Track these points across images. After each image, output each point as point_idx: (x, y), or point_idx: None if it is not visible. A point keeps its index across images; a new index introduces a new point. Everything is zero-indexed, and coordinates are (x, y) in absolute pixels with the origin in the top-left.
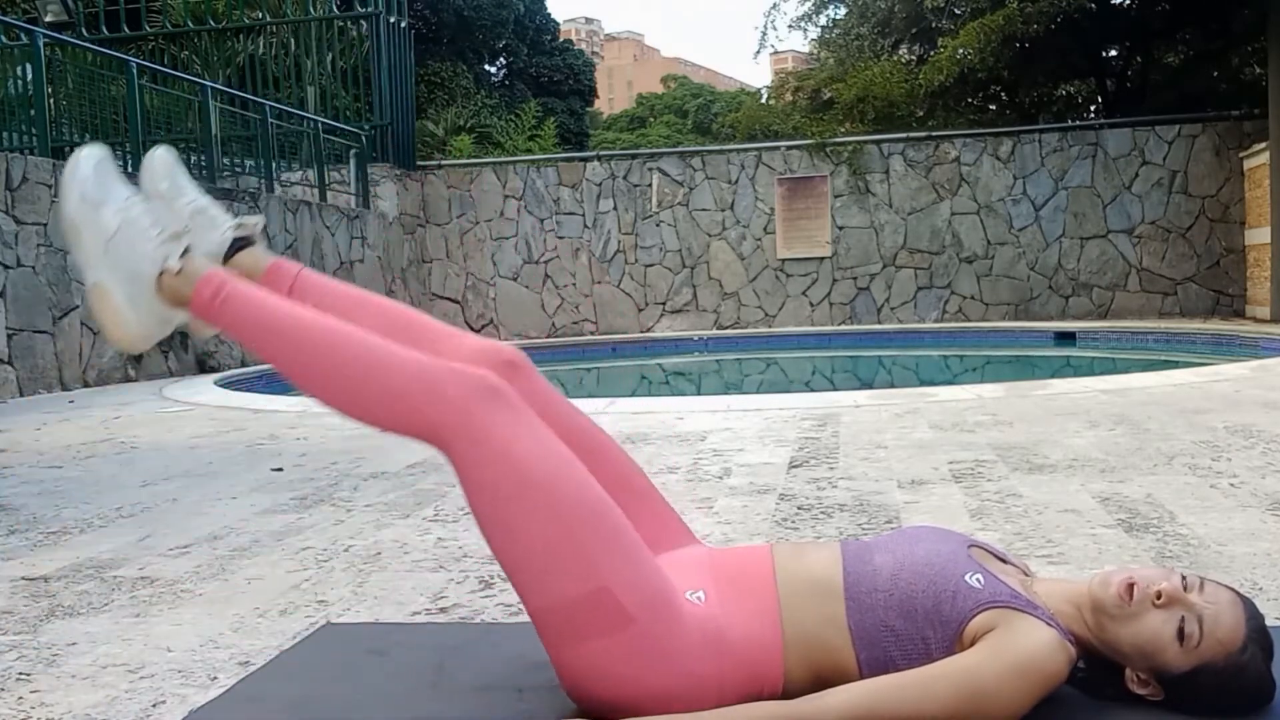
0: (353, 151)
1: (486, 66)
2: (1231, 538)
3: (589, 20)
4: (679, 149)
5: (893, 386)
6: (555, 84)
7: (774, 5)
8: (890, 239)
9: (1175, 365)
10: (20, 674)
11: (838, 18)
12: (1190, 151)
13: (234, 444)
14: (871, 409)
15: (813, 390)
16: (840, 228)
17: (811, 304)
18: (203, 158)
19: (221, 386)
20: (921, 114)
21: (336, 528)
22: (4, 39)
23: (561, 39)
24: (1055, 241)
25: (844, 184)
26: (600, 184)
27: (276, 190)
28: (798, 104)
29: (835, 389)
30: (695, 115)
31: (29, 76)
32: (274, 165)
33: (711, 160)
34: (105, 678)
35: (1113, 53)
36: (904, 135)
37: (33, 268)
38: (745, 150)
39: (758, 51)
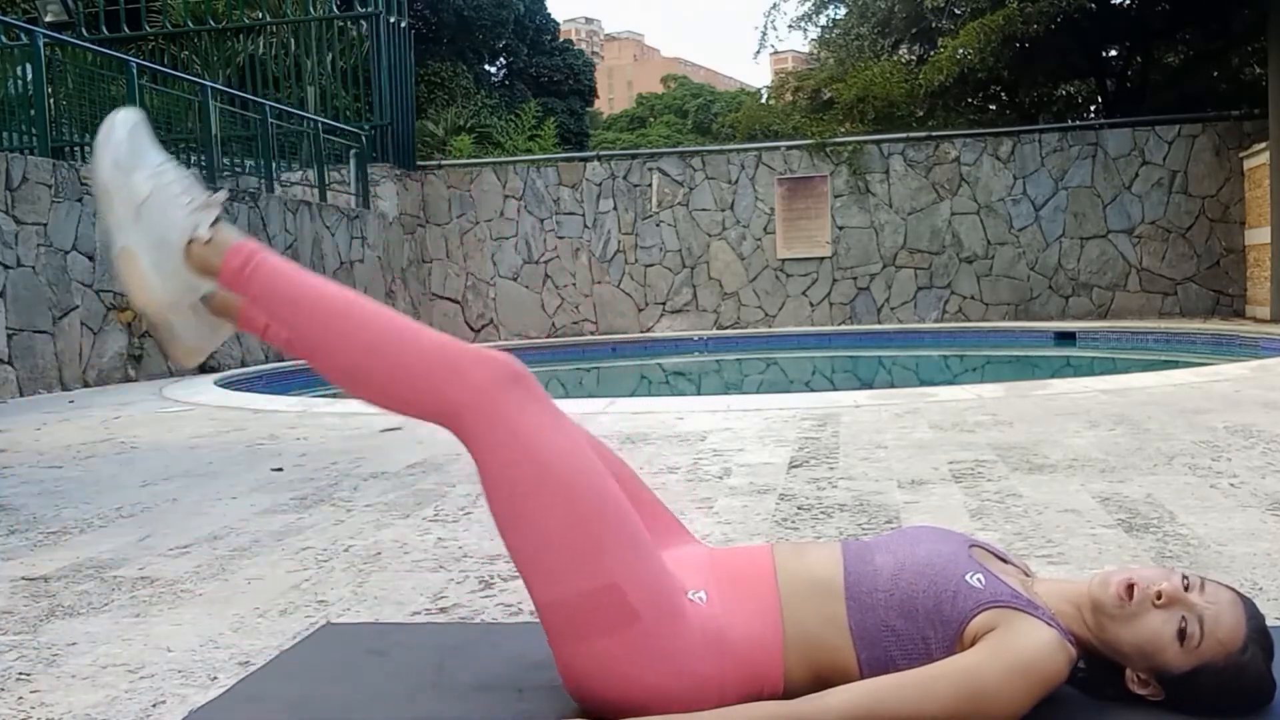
0: (353, 151)
1: (486, 66)
2: (1231, 538)
3: (589, 20)
4: (679, 149)
5: (893, 386)
6: (555, 84)
7: (774, 5)
8: (890, 239)
9: (1175, 365)
10: (20, 674)
11: (838, 18)
12: (1190, 151)
13: (234, 444)
14: (871, 409)
15: (813, 390)
16: (840, 228)
17: (811, 304)
18: (203, 158)
19: (221, 386)
20: (921, 114)
21: (336, 528)
22: (4, 39)
23: (561, 39)
24: (1055, 241)
25: (844, 184)
26: (600, 184)
27: (276, 190)
28: (798, 104)
29: (835, 389)
30: (695, 115)
31: (29, 76)
32: (274, 165)
33: (711, 160)
34: (105, 678)
35: (1113, 53)
36: (904, 135)
37: (33, 268)
38: (745, 150)
39: (758, 51)
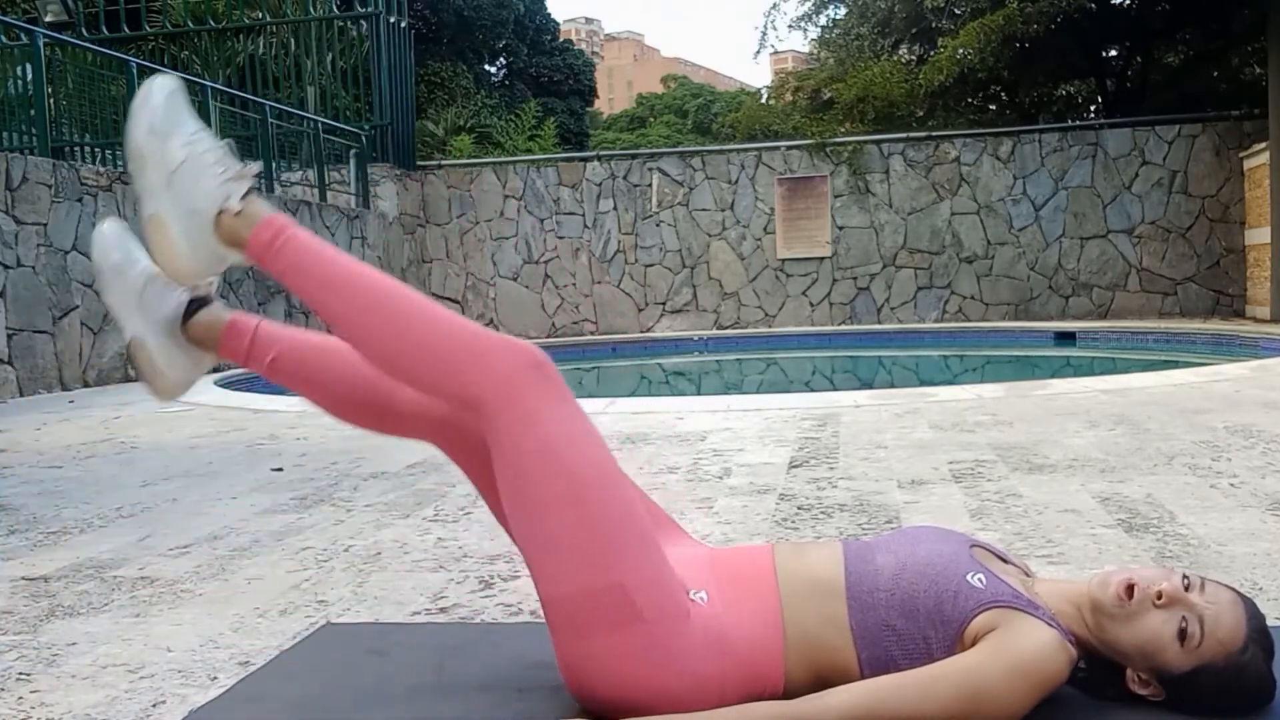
0: (353, 151)
1: (486, 66)
2: (1231, 538)
3: (589, 20)
4: (679, 149)
5: (893, 386)
6: (555, 84)
7: (774, 5)
8: (890, 239)
9: (1175, 365)
10: (20, 674)
11: (838, 18)
12: (1190, 151)
13: (234, 444)
14: (871, 409)
15: (813, 390)
16: (840, 228)
17: (811, 304)
18: None
19: (221, 386)
20: (921, 114)
21: (336, 528)
22: (4, 39)
23: (561, 39)
24: (1055, 241)
25: (844, 184)
26: (600, 184)
27: (276, 190)
28: (798, 104)
29: (835, 389)
30: (695, 115)
31: (29, 76)
32: (274, 165)
33: (711, 160)
34: (105, 678)
35: (1113, 53)
36: (904, 135)
37: (33, 268)
38: (745, 150)
39: (758, 51)
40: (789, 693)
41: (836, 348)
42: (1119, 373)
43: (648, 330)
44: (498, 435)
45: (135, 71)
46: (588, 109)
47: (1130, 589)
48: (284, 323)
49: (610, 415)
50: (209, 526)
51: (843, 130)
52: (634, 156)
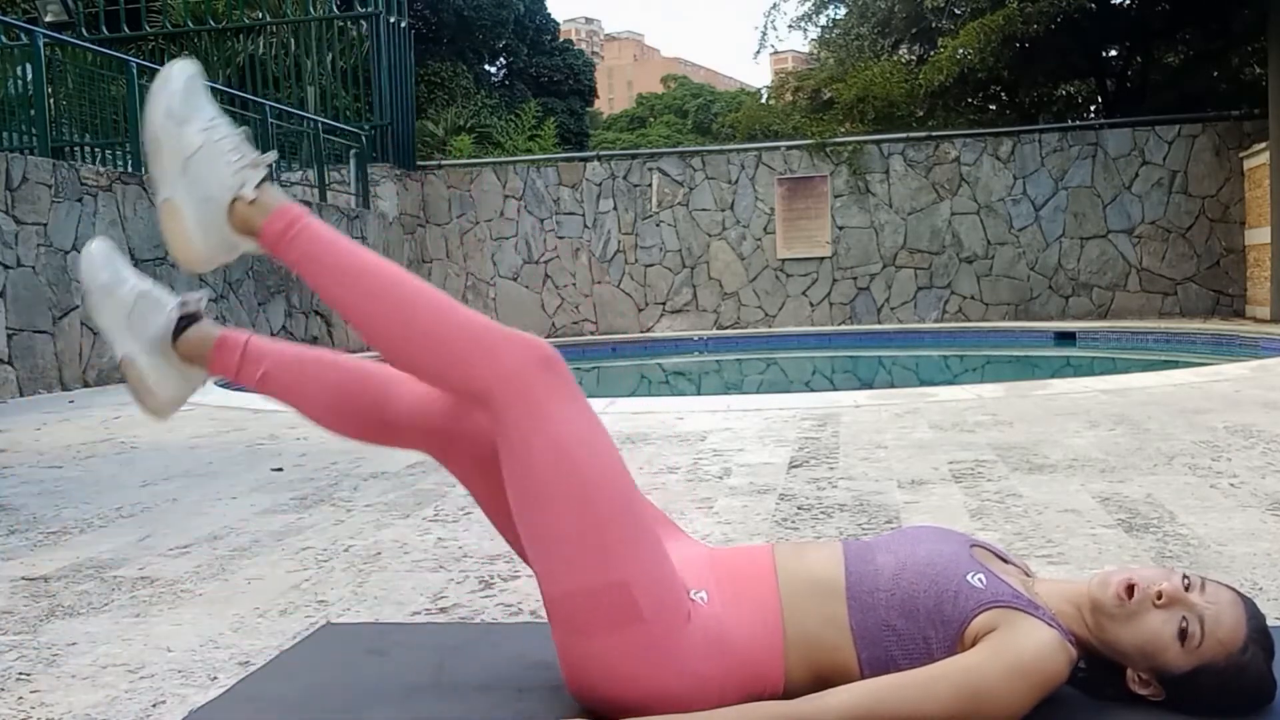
0: (353, 151)
1: (486, 66)
2: (1231, 538)
3: (589, 20)
4: (679, 149)
5: (893, 386)
6: (555, 84)
7: (774, 5)
8: (890, 239)
9: (1175, 365)
10: (20, 674)
11: (838, 18)
12: (1190, 151)
13: (234, 444)
14: (871, 409)
15: (813, 390)
16: (840, 228)
17: (811, 304)
18: None
19: (221, 386)
20: (921, 114)
21: (336, 528)
22: (4, 39)
23: (561, 39)
24: (1055, 241)
25: (844, 184)
26: (600, 184)
27: None
28: (798, 104)
29: (835, 389)
30: (695, 115)
31: (29, 76)
32: (274, 165)
33: (711, 160)
34: (105, 678)
35: (1113, 53)
36: (904, 135)
37: (33, 268)
38: (745, 150)
39: (758, 51)
40: (789, 693)
41: (836, 348)
42: (1119, 373)
43: (648, 330)
44: (505, 430)
45: (135, 71)
46: (588, 109)
47: (1130, 589)
48: (284, 320)
49: (610, 415)
50: (209, 526)
51: (843, 130)
52: (634, 156)
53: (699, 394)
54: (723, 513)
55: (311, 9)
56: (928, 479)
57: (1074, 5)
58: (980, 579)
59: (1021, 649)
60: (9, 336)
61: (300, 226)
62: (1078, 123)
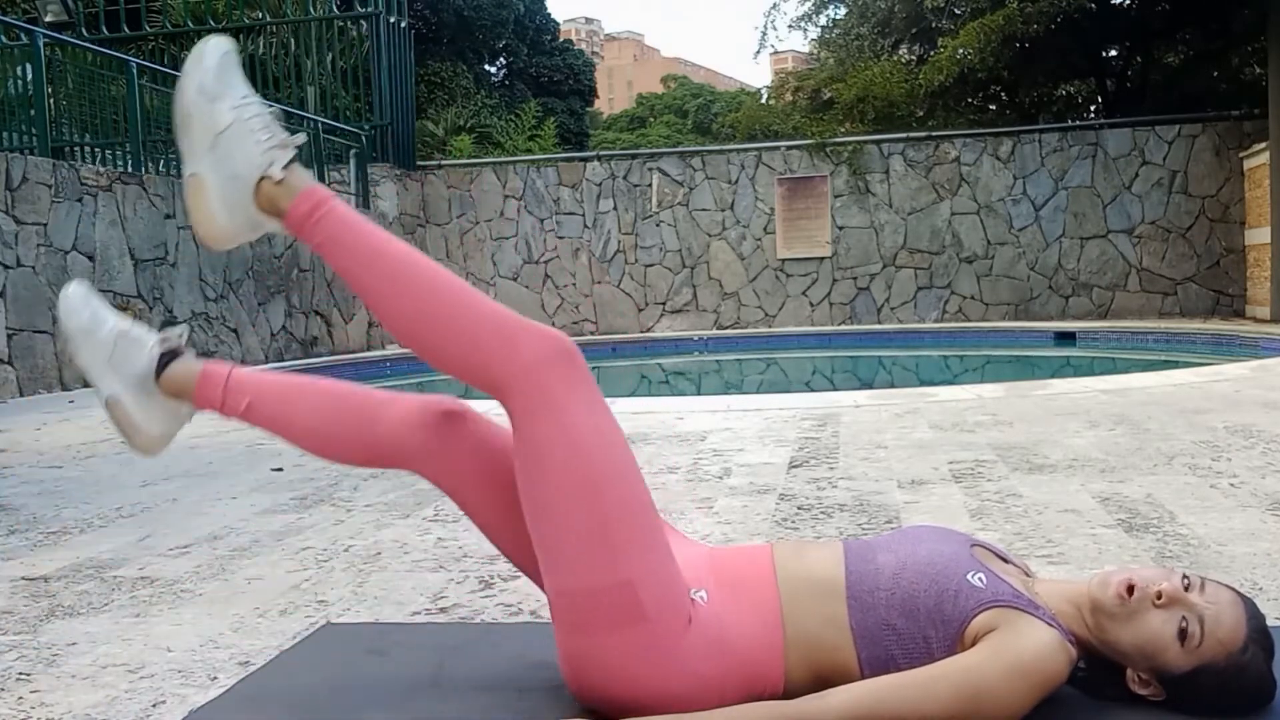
0: (353, 151)
1: (486, 66)
2: (1231, 538)
3: (589, 20)
4: (679, 149)
5: (893, 386)
6: (555, 84)
7: (774, 5)
8: (890, 239)
9: (1175, 365)
10: (20, 674)
11: (838, 18)
12: (1190, 151)
13: (234, 444)
14: (871, 409)
15: (813, 390)
16: (840, 228)
17: (811, 304)
18: None
19: None
20: (921, 114)
21: (336, 528)
22: (4, 39)
23: (561, 39)
24: (1055, 241)
25: (844, 184)
26: (600, 184)
27: None
28: (798, 104)
29: (835, 389)
30: (695, 115)
31: (29, 76)
32: None
33: (711, 160)
34: (105, 678)
35: (1113, 53)
36: (904, 135)
37: (33, 268)
38: (745, 150)
39: (758, 51)
40: (789, 693)
41: (836, 348)
42: (1119, 373)
43: (648, 330)
44: (519, 421)
45: (135, 71)
46: (588, 109)
47: (1130, 589)
48: (284, 320)
49: None
50: (209, 526)
51: (843, 130)
52: (634, 156)
53: (699, 394)
54: (723, 513)
55: (311, 9)
56: (928, 479)
57: (1074, 5)
58: (980, 578)
59: (1021, 649)
60: (9, 336)
61: (326, 209)
62: (1078, 123)
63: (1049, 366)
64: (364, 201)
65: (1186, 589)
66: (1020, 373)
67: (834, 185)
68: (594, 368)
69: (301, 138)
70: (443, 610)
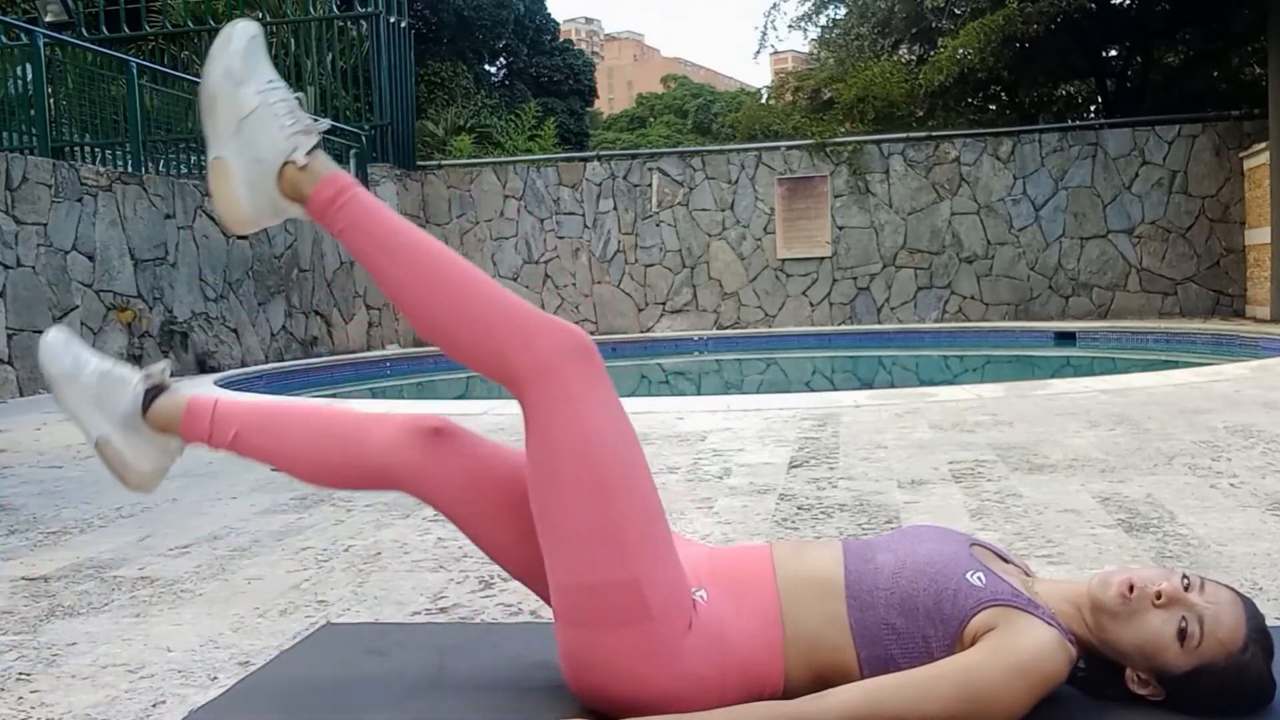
0: (353, 151)
1: (486, 66)
2: (1231, 538)
3: (589, 20)
4: (679, 149)
5: (893, 386)
6: (555, 84)
7: (774, 5)
8: (890, 239)
9: (1175, 365)
10: (20, 674)
11: (838, 18)
12: (1190, 151)
13: None
14: (871, 409)
15: (813, 390)
16: (840, 228)
17: (811, 304)
18: (203, 158)
19: (221, 387)
20: (921, 114)
21: (336, 528)
22: (4, 39)
23: (561, 39)
24: (1055, 241)
25: (844, 184)
26: (600, 184)
27: None
28: (798, 104)
29: (835, 389)
30: (695, 115)
31: (29, 76)
32: None
33: (711, 160)
34: (105, 678)
35: (1113, 53)
36: (904, 135)
37: (33, 268)
38: (745, 150)
39: (758, 51)
40: (789, 692)
41: (836, 348)
42: (1119, 373)
43: (648, 330)
44: (532, 414)
45: (135, 71)
46: (588, 109)
47: (1130, 589)
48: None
49: None
50: (209, 526)
51: (843, 130)
52: (634, 156)
53: (699, 394)
54: (723, 513)
55: (311, 9)
56: (928, 479)
57: (1074, 5)
58: (980, 578)
59: (1021, 648)
60: (9, 336)
61: (349, 196)
62: (1078, 123)
63: (1049, 366)
64: None
65: (1186, 589)
66: (1020, 373)
67: (834, 185)
68: None
69: (326, 123)
70: (443, 610)
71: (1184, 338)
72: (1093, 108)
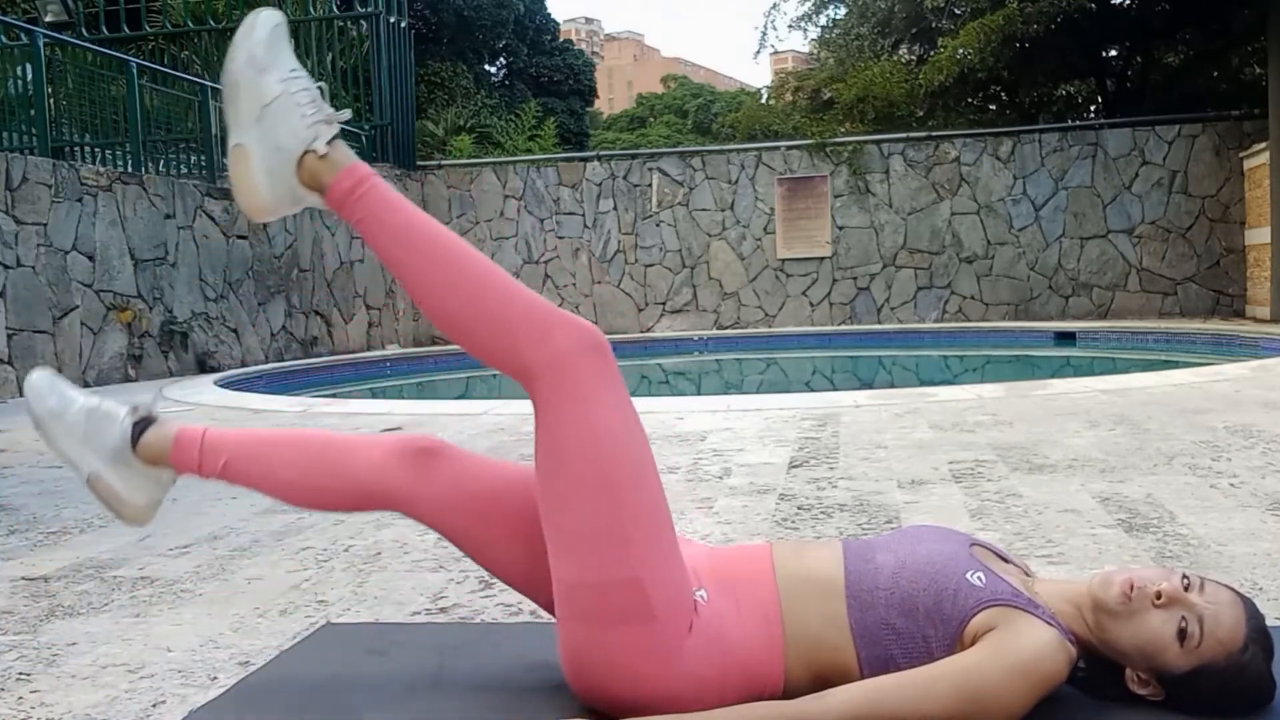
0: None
1: (486, 66)
2: (1231, 538)
3: (589, 20)
4: (679, 149)
5: (893, 386)
6: (555, 84)
7: (774, 5)
8: (890, 239)
9: (1175, 365)
10: (20, 674)
11: (838, 18)
12: (1190, 151)
13: None
14: (871, 409)
15: (813, 390)
16: (840, 228)
17: (811, 304)
18: (203, 158)
19: (221, 387)
20: (921, 114)
21: (336, 528)
22: (4, 39)
23: (561, 39)
24: (1055, 241)
25: (844, 184)
26: (600, 184)
27: None
28: (798, 104)
29: (835, 389)
30: (695, 115)
31: (29, 76)
32: None
33: (711, 160)
34: (105, 678)
35: (1113, 53)
36: (904, 135)
37: (33, 268)
38: (745, 150)
39: (758, 51)
40: (789, 692)
41: (836, 348)
42: (1119, 373)
43: (648, 330)
44: (544, 409)
45: (135, 71)
46: (588, 109)
47: (1131, 588)
48: (284, 320)
49: None
50: (209, 526)
51: (843, 130)
52: (634, 156)
53: (699, 394)
54: (723, 513)
55: (311, 9)
56: (928, 479)
57: (1074, 5)
58: (980, 578)
59: (1021, 648)
60: (9, 336)
61: (368, 186)
62: (1078, 123)
63: (1049, 366)
64: None
65: (1186, 589)
66: (1020, 373)
67: (834, 185)
68: None
69: (347, 114)
70: (443, 610)
71: (1184, 338)
72: (1093, 108)
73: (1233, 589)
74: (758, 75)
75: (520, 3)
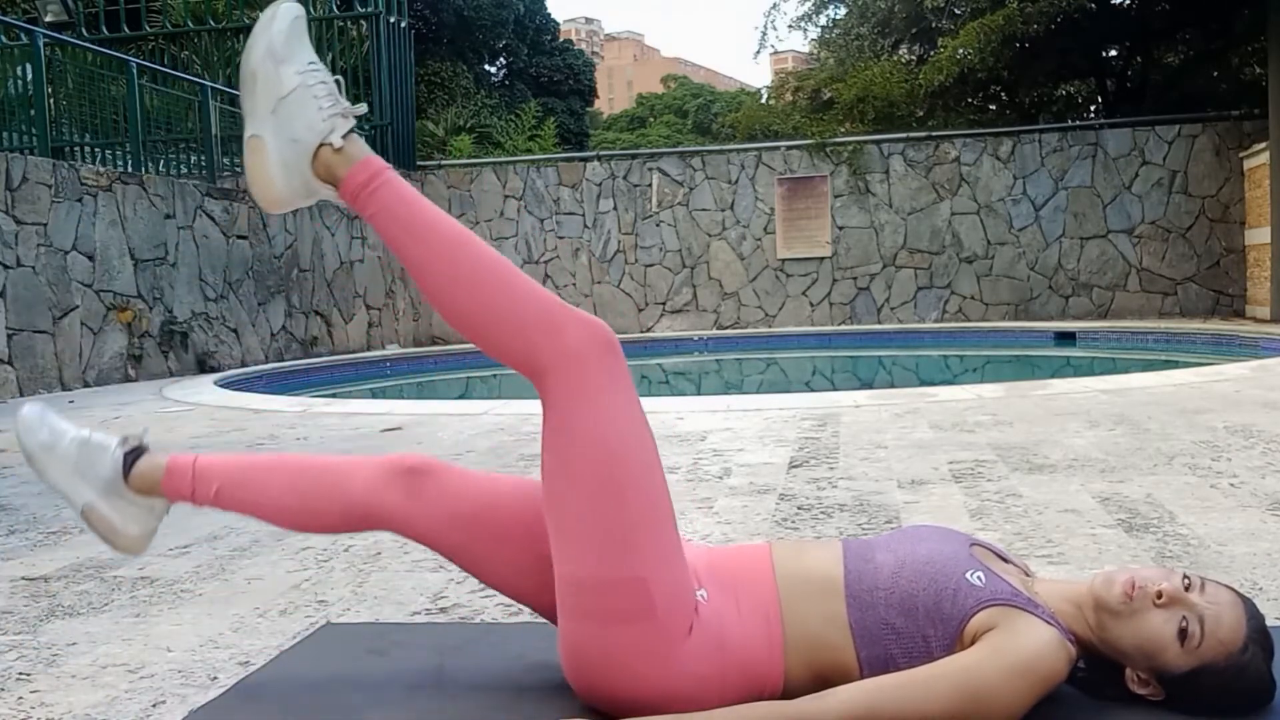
0: None
1: (486, 66)
2: (1231, 538)
3: (589, 20)
4: (679, 149)
5: (893, 386)
6: (555, 84)
7: (774, 5)
8: (890, 239)
9: (1175, 365)
10: (20, 674)
11: (838, 18)
12: (1190, 151)
13: (234, 444)
14: (871, 409)
15: (813, 390)
16: (840, 228)
17: (811, 304)
18: (203, 158)
19: (221, 386)
20: (921, 114)
21: None
22: (4, 39)
23: (561, 39)
24: (1055, 241)
25: (844, 184)
26: (600, 184)
27: None
28: (798, 104)
29: (835, 389)
30: (695, 115)
31: (29, 76)
32: None
33: (711, 160)
34: (105, 678)
35: (1113, 53)
36: (904, 135)
37: (33, 268)
38: (745, 150)
39: (758, 51)
40: (789, 692)
41: (836, 348)
42: (1119, 373)
43: (648, 330)
44: (553, 405)
45: (135, 71)
46: (588, 109)
47: (1132, 587)
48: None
49: None
50: (209, 526)
51: (843, 130)
52: (634, 156)
53: (699, 394)
54: (723, 513)
55: (311, 9)
56: (928, 479)
57: (1074, 5)
58: (979, 577)
59: (1021, 647)
60: (9, 336)
61: (383, 180)
62: (1078, 123)
63: (1049, 366)
64: None
65: (1187, 589)
66: (1020, 373)
67: (834, 185)
68: None
69: (363, 108)
70: (443, 610)
71: (1184, 338)
72: (1093, 108)
73: (1233, 589)
74: (758, 75)
75: (520, 3)
